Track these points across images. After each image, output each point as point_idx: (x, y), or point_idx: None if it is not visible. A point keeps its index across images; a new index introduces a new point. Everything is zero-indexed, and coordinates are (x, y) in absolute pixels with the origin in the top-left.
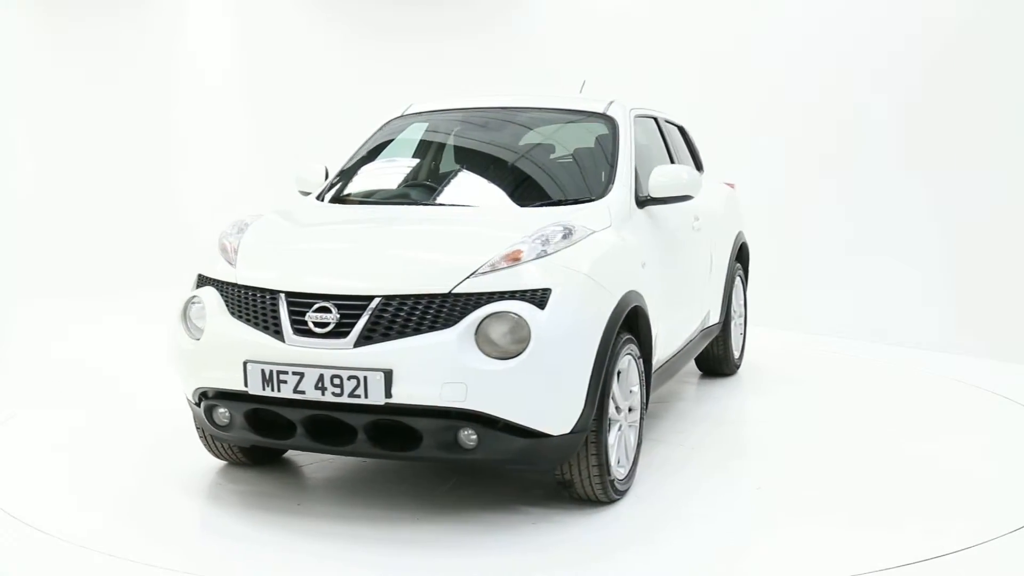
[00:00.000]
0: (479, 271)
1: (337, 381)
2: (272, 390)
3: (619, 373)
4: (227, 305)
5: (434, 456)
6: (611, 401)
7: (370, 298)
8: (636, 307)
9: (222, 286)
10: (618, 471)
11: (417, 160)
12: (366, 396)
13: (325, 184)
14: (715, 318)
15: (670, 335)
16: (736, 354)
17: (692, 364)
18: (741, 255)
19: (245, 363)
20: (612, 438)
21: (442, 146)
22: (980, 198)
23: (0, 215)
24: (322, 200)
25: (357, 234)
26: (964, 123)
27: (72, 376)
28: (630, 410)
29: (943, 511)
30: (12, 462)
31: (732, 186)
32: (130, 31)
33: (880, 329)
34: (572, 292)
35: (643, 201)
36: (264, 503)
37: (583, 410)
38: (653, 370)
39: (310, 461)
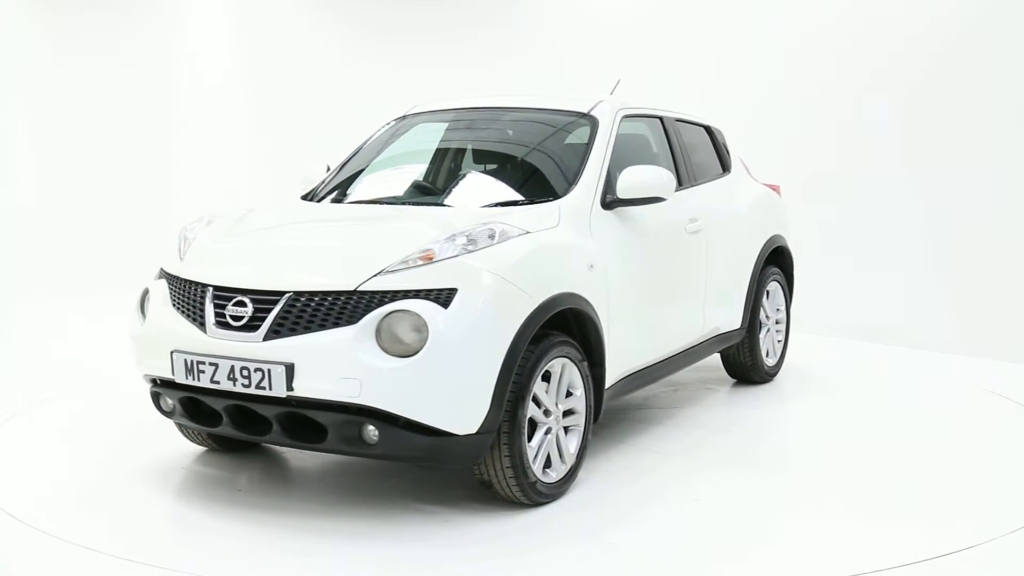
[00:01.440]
0: (387, 270)
1: (246, 373)
2: (193, 379)
3: (549, 375)
4: (171, 296)
5: (341, 450)
6: (530, 403)
7: (281, 294)
8: (575, 310)
9: (170, 278)
10: (547, 474)
11: (397, 161)
12: (270, 388)
13: (317, 184)
14: (733, 324)
15: (642, 339)
16: (771, 362)
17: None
18: (778, 259)
19: (172, 352)
20: (536, 441)
21: (425, 148)
22: (981, 198)
23: (0, 215)
24: (311, 199)
25: (295, 232)
26: (965, 123)
27: (72, 376)
28: (569, 414)
29: (943, 511)
30: (12, 462)
31: (775, 188)
32: (130, 31)
33: (880, 329)
34: (479, 292)
35: (610, 203)
36: (220, 493)
37: (489, 411)
38: (619, 376)
39: (284, 449)
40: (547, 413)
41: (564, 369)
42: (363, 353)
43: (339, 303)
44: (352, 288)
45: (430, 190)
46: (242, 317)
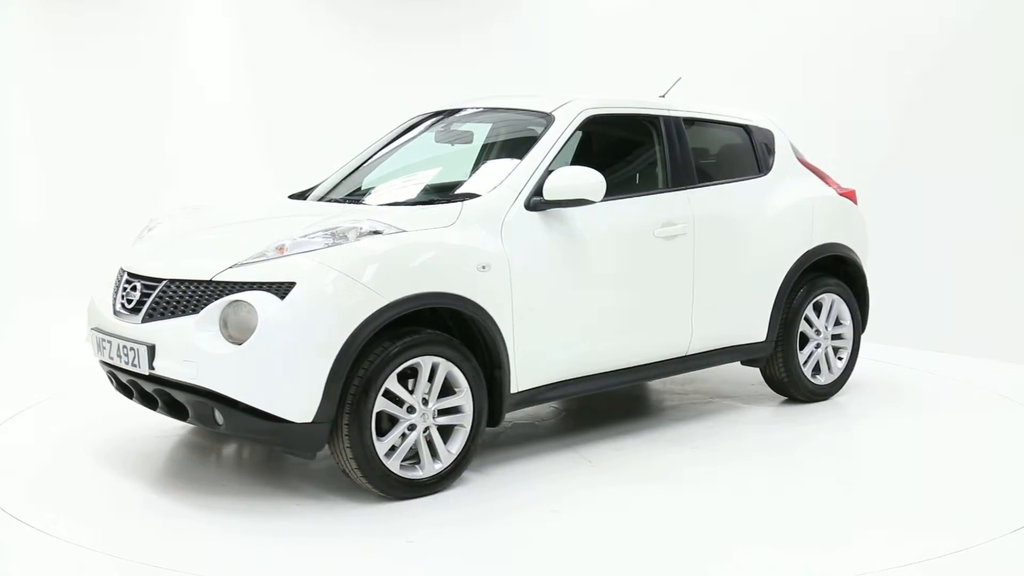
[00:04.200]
0: (240, 262)
1: (125, 350)
2: (101, 355)
3: (415, 373)
4: (114, 280)
5: (203, 427)
6: (381, 398)
7: (160, 280)
8: (457, 311)
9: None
10: (414, 470)
11: (370, 163)
12: (139, 366)
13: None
14: (754, 335)
15: (578, 346)
16: (822, 379)
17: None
18: (845, 270)
19: (92, 330)
20: (392, 436)
21: (404, 150)
22: (981, 197)
23: (0, 215)
24: (303, 198)
25: (218, 229)
26: (964, 122)
27: (72, 375)
28: (451, 412)
29: (944, 511)
30: (12, 462)
31: (848, 194)
32: (130, 31)
33: (879, 329)
34: (318, 287)
35: (535, 204)
36: (224, 490)
37: (322, 401)
38: (541, 381)
39: None
40: (411, 410)
41: (437, 367)
42: (200, 338)
43: (198, 292)
44: (208, 278)
45: (370, 190)
46: (132, 300)
